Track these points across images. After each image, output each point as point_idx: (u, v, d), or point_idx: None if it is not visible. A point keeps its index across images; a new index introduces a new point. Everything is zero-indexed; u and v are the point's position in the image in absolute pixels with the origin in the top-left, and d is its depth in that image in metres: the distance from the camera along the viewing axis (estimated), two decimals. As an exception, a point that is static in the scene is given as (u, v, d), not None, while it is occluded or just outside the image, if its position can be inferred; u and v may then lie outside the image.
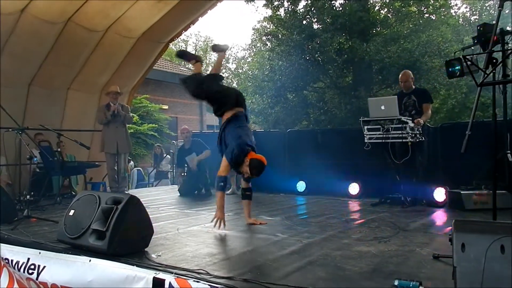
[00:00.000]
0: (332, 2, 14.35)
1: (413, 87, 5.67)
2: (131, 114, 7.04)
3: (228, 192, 6.98)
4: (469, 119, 3.19)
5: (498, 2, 3.15)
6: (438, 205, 5.19)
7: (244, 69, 30.67)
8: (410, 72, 5.76)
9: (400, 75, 5.75)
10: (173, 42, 9.13)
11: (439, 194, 5.27)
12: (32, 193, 4.75)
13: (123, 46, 7.39)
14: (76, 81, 7.40)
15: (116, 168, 6.62)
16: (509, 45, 3.48)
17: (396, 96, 5.39)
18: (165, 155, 11.83)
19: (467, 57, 3.01)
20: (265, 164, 3.84)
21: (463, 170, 5.47)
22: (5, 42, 5.95)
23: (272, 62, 14.87)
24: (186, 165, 7.24)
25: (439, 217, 4.69)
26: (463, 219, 2.35)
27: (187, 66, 24.91)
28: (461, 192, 4.89)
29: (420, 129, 5.18)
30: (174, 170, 11.01)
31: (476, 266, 1.84)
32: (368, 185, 6.24)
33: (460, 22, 20.25)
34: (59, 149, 6.02)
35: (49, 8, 5.93)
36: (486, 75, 2.76)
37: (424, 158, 5.44)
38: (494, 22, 3.16)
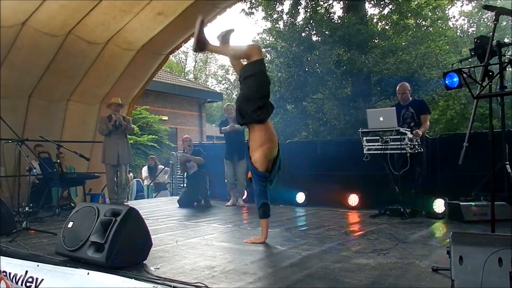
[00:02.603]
0: (331, 15, 14.49)
1: (410, 98, 5.70)
2: (132, 125, 7.06)
3: (228, 204, 6.99)
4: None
5: (494, 16, 3.20)
6: (437, 217, 5.18)
7: (243, 81, 30.67)
8: (407, 84, 5.78)
9: (397, 87, 5.78)
10: (173, 54, 9.20)
11: (438, 205, 5.27)
12: (31, 204, 4.74)
13: (123, 58, 7.44)
14: (76, 93, 7.44)
15: (116, 179, 6.61)
16: (506, 57, 3.52)
17: (394, 108, 5.41)
18: (163, 167, 11.77)
19: (464, 69, 3.04)
20: None
21: (462, 181, 5.48)
22: (5, 54, 6.00)
23: (272, 74, 14.93)
24: (186, 173, 7.36)
25: (439, 228, 4.69)
26: (461, 231, 2.35)
27: (186, 78, 25.02)
28: (460, 203, 4.88)
29: (418, 140, 5.20)
30: (173, 181, 11.00)
31: (473, 279, 1.84)
32: (367, 196, 6.24)
33: (458, 34, 20.43)
34: (58, 161, 6.02)
35: (50, 21, 5.99)
36: (482, 88, 2.78)
37: (423, 169, 5.45)
38: (491, 34, 3.20)
